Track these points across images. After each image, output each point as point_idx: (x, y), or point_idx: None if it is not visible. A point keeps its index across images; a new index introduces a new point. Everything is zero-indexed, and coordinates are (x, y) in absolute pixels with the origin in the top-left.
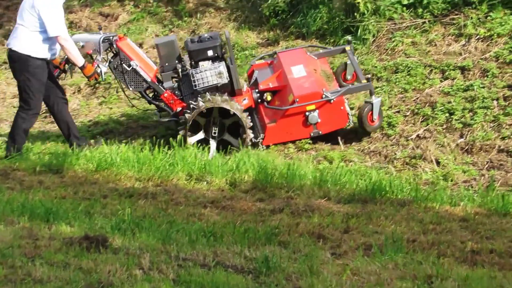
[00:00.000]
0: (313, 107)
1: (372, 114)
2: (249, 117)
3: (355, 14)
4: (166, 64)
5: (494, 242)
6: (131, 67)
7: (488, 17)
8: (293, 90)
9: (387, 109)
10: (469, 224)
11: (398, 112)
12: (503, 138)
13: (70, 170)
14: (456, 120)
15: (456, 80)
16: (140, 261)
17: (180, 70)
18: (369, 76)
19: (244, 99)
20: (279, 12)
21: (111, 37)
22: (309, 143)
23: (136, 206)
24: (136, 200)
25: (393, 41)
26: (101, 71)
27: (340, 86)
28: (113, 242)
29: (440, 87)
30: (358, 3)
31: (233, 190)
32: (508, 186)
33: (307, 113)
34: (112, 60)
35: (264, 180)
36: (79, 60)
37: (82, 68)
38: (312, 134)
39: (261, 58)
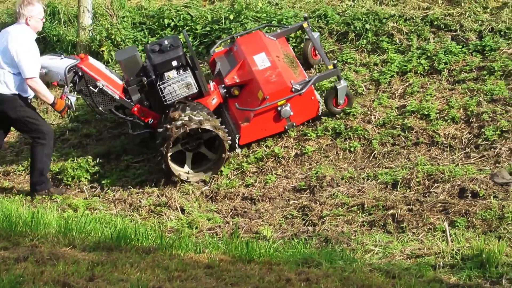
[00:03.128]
0: (284, 101)
1: (336, 98)
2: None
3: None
4: (131, 78)
5: None
6: (97, 88)
7: None
8: (262, 87)
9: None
10: (214, 271)
11: (143, 160)
12: (247, 186)
13: None
14: None
15: None
16: None
17: (146, 82)
18: (335, 61)
19: (213, 99)
20: None
21: (75, 64)
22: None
23: None
24: None
25: None
26: (71, 102)
27: (311, 65)
28: None
29: None
30: (103, 51)
31: None
32: (252, 233)
33: (279, 108)
34: (77, 83)
35: (8, 228)
36: (50, 98)
37: (53, 105)
38: (286, 127)
39: (220, 45)
